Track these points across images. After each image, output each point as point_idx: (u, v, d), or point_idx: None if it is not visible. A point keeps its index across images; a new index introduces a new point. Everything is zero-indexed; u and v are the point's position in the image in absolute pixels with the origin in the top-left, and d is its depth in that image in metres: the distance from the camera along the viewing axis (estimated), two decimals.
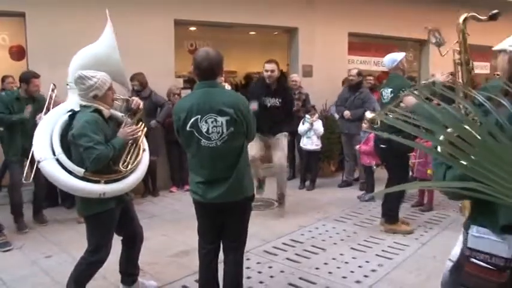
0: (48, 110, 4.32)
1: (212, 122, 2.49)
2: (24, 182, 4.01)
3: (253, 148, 4.56)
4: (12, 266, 3.72)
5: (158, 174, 6.27)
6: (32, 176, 3.83)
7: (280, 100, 4.85)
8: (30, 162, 3.67)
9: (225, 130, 2.50)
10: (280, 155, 4.93)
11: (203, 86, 2.57)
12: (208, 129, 2.50)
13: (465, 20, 2.11)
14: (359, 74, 6.44)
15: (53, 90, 4.38)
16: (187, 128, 2.53)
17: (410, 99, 3.82)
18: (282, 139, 4.99)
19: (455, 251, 1.83)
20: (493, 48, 2.82)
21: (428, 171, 5.02)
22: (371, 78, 7.24)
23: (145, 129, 3.08)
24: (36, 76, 4.68)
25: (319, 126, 6.31)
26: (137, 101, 3.13)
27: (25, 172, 4.11)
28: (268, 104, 4.81)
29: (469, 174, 1.14)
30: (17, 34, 6.11)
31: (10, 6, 5.49)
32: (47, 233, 4.58)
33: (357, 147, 6.07)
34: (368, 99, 6.25)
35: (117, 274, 3.15)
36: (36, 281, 3.45)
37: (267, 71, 4.83)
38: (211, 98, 2.51)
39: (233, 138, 2.54)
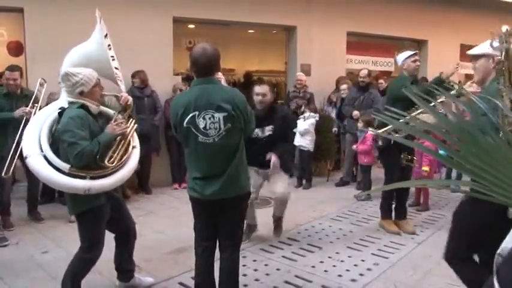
0: (34, 103, 4.30)
1: (210, 118, 2.50)
2: (4, 176, 3.96)
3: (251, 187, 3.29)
4: (9, 262, 3.73)
5: (157, 170, 6.28)
6: (19, 172, 3.76)
7: (272, 127, 3.94)
8: (20, 158, 3.62)
9: (222, 126, 2.51)
10: (281, 185, 4.11)
11: (200, 83, 2.57)
12: (206, 125, 2.50)
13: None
14: (369, 74, 6.48)
15: (41, 85, 4.31)
16: (185, 125, 2.53)
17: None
18: (282, 172, 4.10)
19: (505, 245, 1.81)
20: (471, 52, 2.68)
21: (424, 168, 5.06)
22: (382, 81, 7.21)
23: (136, 125, 3.06)
24: (10, 69, 4.53)
25: (303, 125, 6.24)
26: (126, 97, 3.13)
27: (12, 168, 4.04)
28: (261, 135, 3.92)
29: (465, 173, 1.16)
30: (15, 30, 6.10)
31: (8, 1, 5.48)
32: (43, 229, 4.58)
33: (354, 146, 6.08)
34: (377, 100, 6.26)
35: (112, 269, 3.16)
36: (32, 276, 3.45)
37: (257, 94, 3.91)
38: (209, 94, 2.52)
39: (230, 134, 2.55)
